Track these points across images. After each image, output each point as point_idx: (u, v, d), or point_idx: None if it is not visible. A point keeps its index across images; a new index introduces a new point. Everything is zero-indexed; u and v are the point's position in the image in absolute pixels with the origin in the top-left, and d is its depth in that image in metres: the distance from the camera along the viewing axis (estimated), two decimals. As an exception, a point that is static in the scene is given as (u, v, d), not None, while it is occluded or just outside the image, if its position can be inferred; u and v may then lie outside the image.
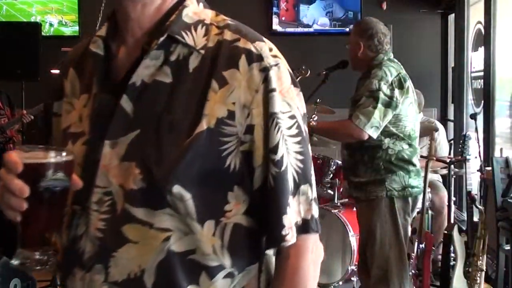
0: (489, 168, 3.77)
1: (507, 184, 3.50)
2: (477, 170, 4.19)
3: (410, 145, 3.10)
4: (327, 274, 4.16)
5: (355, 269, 3.88)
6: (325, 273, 4.16)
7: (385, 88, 2.99)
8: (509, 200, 3.41)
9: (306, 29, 6.59)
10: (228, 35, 1.04)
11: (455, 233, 3.46)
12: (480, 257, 3.35)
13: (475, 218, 3.63)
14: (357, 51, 3.17)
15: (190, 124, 0.99)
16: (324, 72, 3.57)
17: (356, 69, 3.28)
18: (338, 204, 4.26)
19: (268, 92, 1.01)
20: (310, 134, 3.94)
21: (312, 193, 1.07)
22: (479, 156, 4.18)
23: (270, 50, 1.05)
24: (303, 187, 1.05)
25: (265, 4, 6.58)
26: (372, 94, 2.98)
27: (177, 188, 0.96)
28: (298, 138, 1.05)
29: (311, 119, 3.30)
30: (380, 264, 3.07)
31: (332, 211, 4.14)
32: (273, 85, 1.02)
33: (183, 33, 1.03)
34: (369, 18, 3.33)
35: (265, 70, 1.01)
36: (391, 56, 3.18)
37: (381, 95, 2.97)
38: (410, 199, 3.10)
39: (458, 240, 3.45)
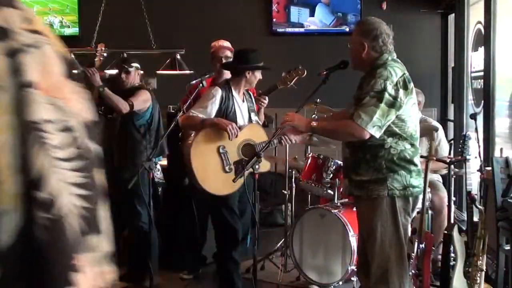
0: (489, 168, 3.77)
1: (507, 184, 3.50)
2: (477, 170, 4.19)
3: (412, 145, 3.09)
4: (327, 274, 4.16)
5: (355, 269, 3.88)
6: (325, 273, 4.17)
7: (390, 88, 2.97)
8: (509, 200, 3.41)
9: (306, 30, 6.59)
10: None
11: (455, 233, 3.45)
12: (480, 257, 3.35)
13: (475, 218, 3.63)
14: (361, 52, 3.13)
15: None
16: (324, 73, 3.57)
17: (357, 69, 3.26)
18: (338, 204, 4.26)
19: (20, 88, 0.64)
20: (309, 134, 3.94)
21: (106, 246, 0.70)
22: (479, 156, 4.18)
23: (28, 21, 0.67)
24: (92, 240, 0.68)
25: (265, 5, 6.59)
26: (377, 94, 2.96)
27: None
28: (79, 164, 0.66)
29: (311, 119, 3.30)
30: (380, 264, 3.07)
31: (332, 211, 4.14)
32: (30, 78, 0.64)
33: None
34: (373, 18, 3.26)
35: (14, 54, 0.64)
36: (395, 56, 3.16)
37: (386, 95, 2.96)
38: (411, 199, 3.10)
39: (458, 240, 3.45)
